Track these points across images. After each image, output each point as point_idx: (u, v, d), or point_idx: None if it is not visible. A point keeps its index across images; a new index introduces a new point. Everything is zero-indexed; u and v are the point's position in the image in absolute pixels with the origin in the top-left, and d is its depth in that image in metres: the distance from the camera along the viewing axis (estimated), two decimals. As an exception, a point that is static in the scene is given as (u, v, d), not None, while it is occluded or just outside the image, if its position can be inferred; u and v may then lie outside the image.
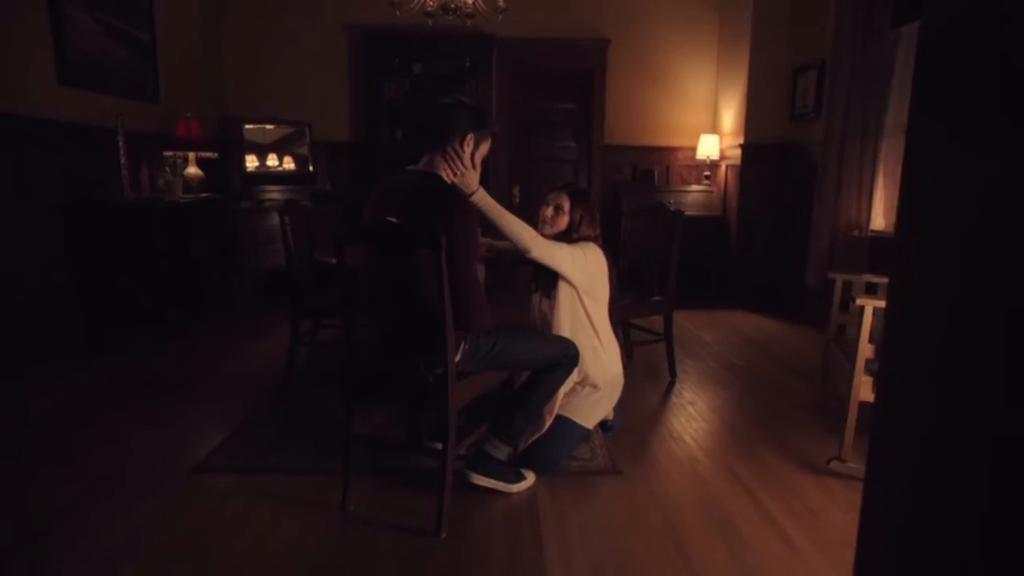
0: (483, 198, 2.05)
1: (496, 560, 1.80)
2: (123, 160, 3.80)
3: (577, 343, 2.25)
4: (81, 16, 3.69)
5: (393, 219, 1.80)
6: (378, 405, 2.62)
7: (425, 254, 1.78)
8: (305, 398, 3.00)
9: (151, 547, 1.82)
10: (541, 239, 2.19)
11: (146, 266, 3.78)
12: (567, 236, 2.37)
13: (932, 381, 0.85)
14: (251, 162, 5.34)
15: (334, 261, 2.22)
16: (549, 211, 2.39)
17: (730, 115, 5.45)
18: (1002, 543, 0.69)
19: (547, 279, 2.34)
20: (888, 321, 0.94)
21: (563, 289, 2.32)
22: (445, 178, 1.95)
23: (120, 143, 3.78)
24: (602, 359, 2.38)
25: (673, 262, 3.21)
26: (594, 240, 2.40)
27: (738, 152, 5.21)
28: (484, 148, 2.04)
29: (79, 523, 1.92)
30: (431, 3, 3.30)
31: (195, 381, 3.25)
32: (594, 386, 2.37)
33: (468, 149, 1.97)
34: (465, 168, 1.98)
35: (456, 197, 1.91)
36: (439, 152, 1.95)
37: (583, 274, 2.29)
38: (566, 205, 2.37)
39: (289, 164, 5.52)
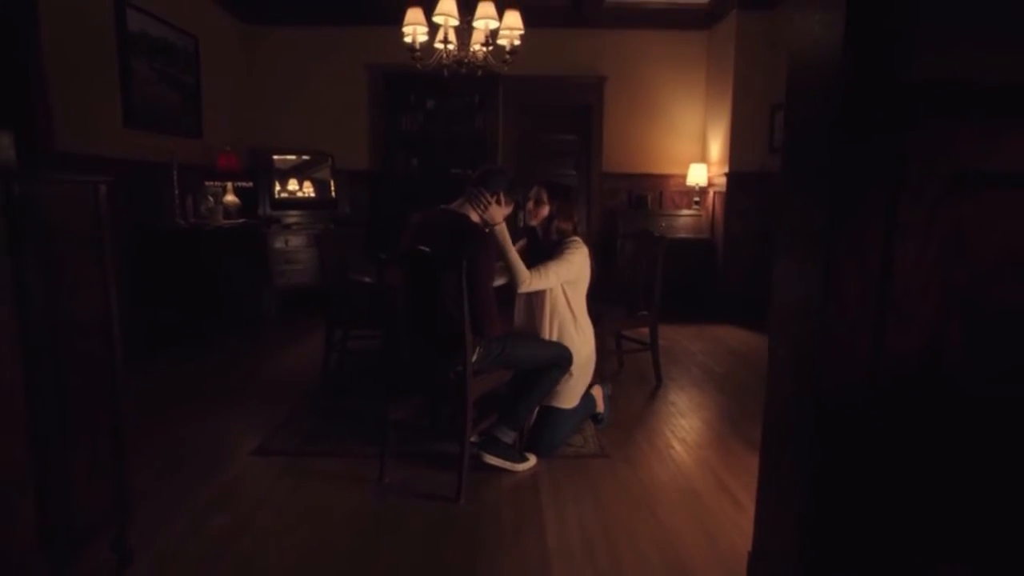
0: (502, 231, 2.54)
1: (505, 521, 2.26)
2: (176, 191, 4.32)
3: (555, 325, 2.69)
4: (142, 66, 4.24)
5: (428, 248, 2.29)
6: (408, 398, 3.09)
7: (451, 276, 2.27)
8: (339, 396, 3.47)
9: (228, 510, 2.29)
10: (529, 280, 2.57)
11: (192, 283, 4.28)
12: (547, 227, 2.77)
13: (791, 367, 1.34)
14: (279, 189, 5.87)
15: (367, 280, 2.70)
16: (531, 204, 2.83)
17: (717, 146, 5.95)
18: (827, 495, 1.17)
19: (537, 262, 2.68)
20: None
21: None
22: (472, 218, 2.45)
23: (174, 176, 4.30)
24: (576, 341, 2.76)
25: (657, 281, 3.68)
26: (573, 232, 2.80)
27: (724, 180, 5.71)
28: (506, 209, 2.55)
29: (166, 492, 2.39)
30: (447, 58, 3.82)
31: (239, 384, 3.73)
32: (569, 373, 2.77)
33: (492, 199, 2.48)
34: (490, 204, 2.47)
35: (479, 232, 2.41)
36: (469, 198, 2.47)
37: (568, 276, 2.70)
38: (544, 196, 2.79)
39: (313, 191, 6.04)
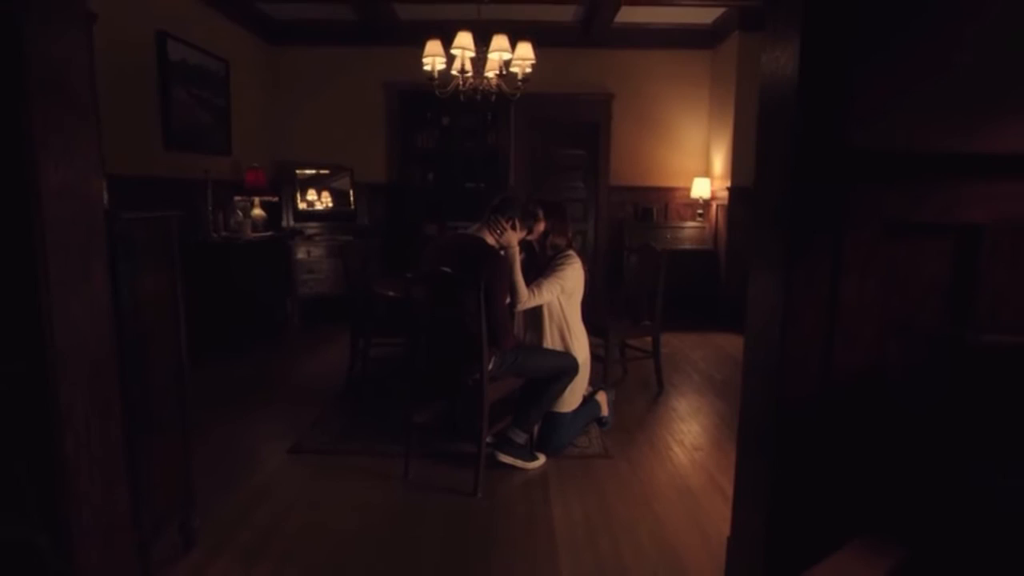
0: (514, 255, 2.81)
1: (516, 513, 2.53)
2: (210, 207, 4.63)
3: (555, 332, 2.97)
4: (180, 92, 4.56)
5: (449, 268, 2.57)
6: (430, 402, 3.37)
7: (469, 293, 2.54)
8: (364, 399, 3.75)
9: (271, 502, 2.57)
10: (527, 299, 2.85)
11: (224, 294, 4.58)
12: (543, 241, 3.07)
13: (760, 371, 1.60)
14: (301, 202, 6.17)
15: (390, 293, 2.97)
16: (529, 220, 3.09)
17: (719, 161, 6.20)
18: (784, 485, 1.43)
19: (533, 274, 2.99)
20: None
21: None
22: (489, 241, 2.73)
23: (208, 194, 4.61)
24: (571, 348, 3.02)
25: (659, 293, 3.93)
26: (568, 247, 3.09)
27: (726, 194, 5.95)
28: (520, 233, 2.85)
29: (214, 486, 2.68)
30: (463, 86, 4.10)
31: (270, 387, 4.03)
32: None
33: (507, 225, 2.75)
34: (506, 230, 2.76)
35: (495, 255, 2.69)
36: (486, 223, 2.74)
37: (563, 290, 2.97)
38: (540, 214, 3.09)
39: (334, 203, 6.34)
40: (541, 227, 3.09)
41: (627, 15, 5.77)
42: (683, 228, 6.41)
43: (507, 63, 4.07)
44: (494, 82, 4.16)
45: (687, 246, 6.29)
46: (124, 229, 1.76)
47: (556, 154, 6.67)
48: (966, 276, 1.40)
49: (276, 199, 5.75)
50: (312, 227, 6.16)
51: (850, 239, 1.42)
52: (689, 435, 3.35)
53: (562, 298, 3.01)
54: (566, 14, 5.98)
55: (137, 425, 1.81)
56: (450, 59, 4.12)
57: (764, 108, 1.60)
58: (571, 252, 3.06)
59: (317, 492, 2.67)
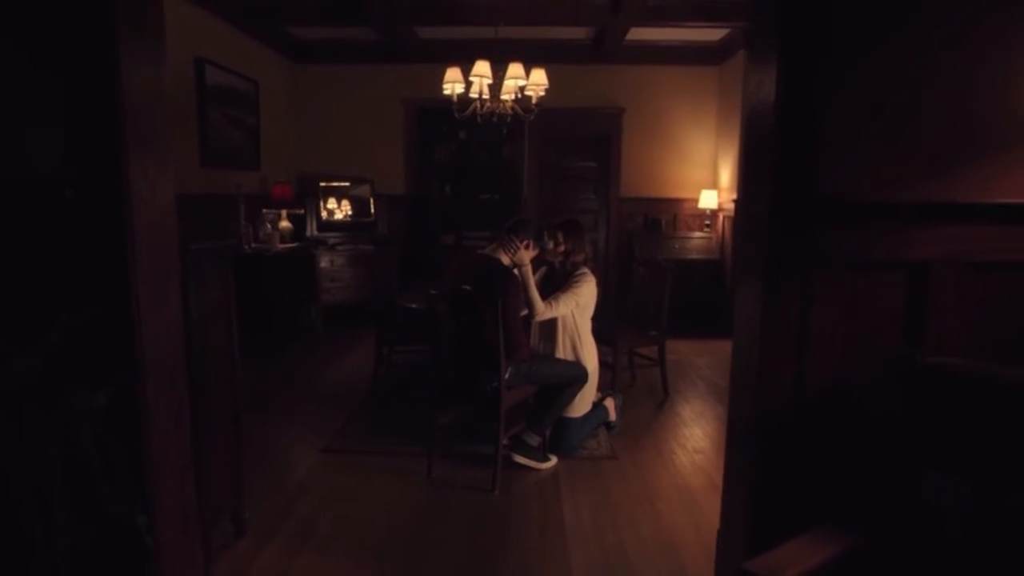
0: (527, 272, 3.07)
1: (530, 508, 2.78)
2: (242, 220, 4.93)
3: (567, 342, 3.23)
4: (215, 112, 4.87)
5: (468, 286, 2.83)
6: (451, 407, 3.64)
7: (487, 309, 2.80)
8: (388, 403, 4.03)
9: (308, 497, 2.85)
10: (543, 311, 3.11)
11: (255, 303, 4.88)
12: (563, 260, 3.35)
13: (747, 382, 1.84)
14: (324, 211, 6.47)
15: (413, 305, 3.24)
16: (551, 244, 3.38)
17: (726, 173, 6.41)
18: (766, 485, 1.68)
19: (550, 290, 3.29)
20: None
21: None
22: (504, 261, 2.99)
23: (240, 208, 4.92)
24: (581, 356, 3.28)
25: (665, 304, 4.16)
26: (584, 263, 3.36)
27: (733, 205, 6.16)
28: (532, 252, 3.12)
29: (257, 482, 2.96)
30: (481, 109, 4.38)
31: (299, 391, 4.31)
32: None
33: (522, 245, 3.02)
34: (519, 249, 3.02)
35: (510, 275, 2.95)
36: (501, 243, 3.01)
37: (577, 305, 3.24)
38: (561, 237, 3.37)
39: (355, 214, 6.63)
40: (561, 249, 3.36)
41: (637, 33, 6.00)
42: (691, 238, 6.63)
43: (522, 88, 4.33)
44: (509, 105, 4.42)
45: (694, 256, 6.51)
46: (192, 259, 2.04)
47: (568, 166, 6.92)
48: (916, 306, 1.64)
49: (302, 211, 6.04)
50: (334, 237, 6.44)
51: (817, 274, 1.66)
52: (691, 439, 3.58)
53: (576, 312, 3.27)
54: (579, 32, 6.24)
55: (200, 424, 2.08)
56: (468, 83, 4.39)
57: (747, 161, 1.85)
58: (587, 270, 3.32)
59: (349, 488, 2.94)
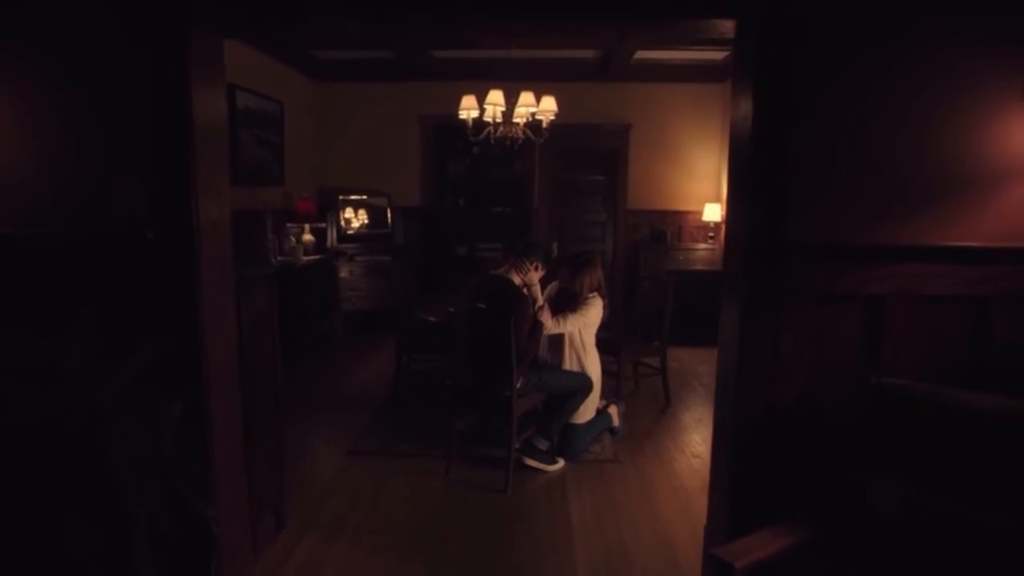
0: (536, 291, 3.36)
1: (539, 506, 3.06)
2: (270, 235, 5.25)
3: (573, 355, 3.50)
4: (245, 134, 5.19)
5: (483, 304, 3.12)
6: (467, 414, 3.92)
7: (500, 325, 3.08)
8: (408, 408, 4.32)
9: (339, 496, 3.14)
10: (552, 326, 3.39)
11: (281, 312, 5.18)
12: (579, 294, 3.59)
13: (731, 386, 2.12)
14: (344, 224, 6.78)
15: (431, 319, 3.54)
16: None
17: (730, 188, 6.66)
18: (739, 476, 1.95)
19: (562, 308, 3.56)
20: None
21: None
22: (515, 281, 3.28)
23: (267, 224, 5.23)
24: (586, 367, 3.55)
25: (667, 316, 4.42)
26: (596, 290, 3.62)
27: (735, 219, 6.41)
28: (541, 272, 3.40)
29: (290, 481, 3.25)
30: (494, 133, 4.67)
31: (323, 396, 4.62)
32: None
33: (532, 266, 3.30)
34: (529, 270, 3.30)
35: (521, 294, 3.23)
36: (513, 264, 3.30)
37: (584, 324, 3.52)
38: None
39: (373, 225, 6.93)
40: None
41: (644, 53, 6.26)
42: (695, 250, 6.88)
43: (532, 114, 4.62)
44: (521, 129, 4.71)
45: (698, 266, 6.75)
46: (244, 283, 2.34)
47: (577, 180, 7.20)
48: (873, 334, 1.90)
49: (324, 224, 6.35)
50: (353, 248, 6.74)
51: (789, 305, 1.93)
52: (690, 444, 3.84)
53: (583, 330, 3.55)
54: (587, 52, 6.51)
55: (249, 428, 2.38)
56: (482, 109, 4.68)
57: (730, 206, 2.11)
58: (597, 296, 3.60)
59: (375, 487, 3.23)
